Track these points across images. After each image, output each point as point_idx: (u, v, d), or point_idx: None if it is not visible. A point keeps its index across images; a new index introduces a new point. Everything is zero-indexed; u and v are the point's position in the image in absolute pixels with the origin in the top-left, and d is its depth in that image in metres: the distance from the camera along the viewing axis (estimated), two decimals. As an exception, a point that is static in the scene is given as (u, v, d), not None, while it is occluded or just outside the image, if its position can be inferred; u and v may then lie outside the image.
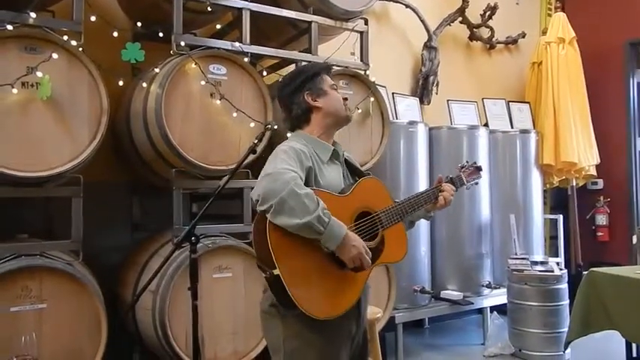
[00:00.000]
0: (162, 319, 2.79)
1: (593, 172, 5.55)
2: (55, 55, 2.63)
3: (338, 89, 2.07)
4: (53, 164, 2.65)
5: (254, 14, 3.29)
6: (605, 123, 5.69)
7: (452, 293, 4.41)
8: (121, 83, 3.11)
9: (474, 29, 5.60)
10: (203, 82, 2.99)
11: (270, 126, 2.61)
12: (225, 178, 2.43)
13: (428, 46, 5.16)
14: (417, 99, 5.02)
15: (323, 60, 3.50)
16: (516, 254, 4.52)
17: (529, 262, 4.26)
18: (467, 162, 2.36)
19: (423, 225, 4.37)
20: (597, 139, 5.53)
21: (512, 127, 5.28)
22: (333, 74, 2.20)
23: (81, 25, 2.78)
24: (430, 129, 4.65)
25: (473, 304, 4.48)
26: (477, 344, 4.48)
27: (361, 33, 3.78)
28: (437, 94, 5.19)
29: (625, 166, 5.76)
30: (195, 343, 2.29)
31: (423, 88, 5.15)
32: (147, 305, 2.91)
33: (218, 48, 3.12)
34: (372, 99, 3.61)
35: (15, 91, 2.54)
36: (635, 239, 3.59)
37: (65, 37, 2.69)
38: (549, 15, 6.11)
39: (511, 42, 5.93)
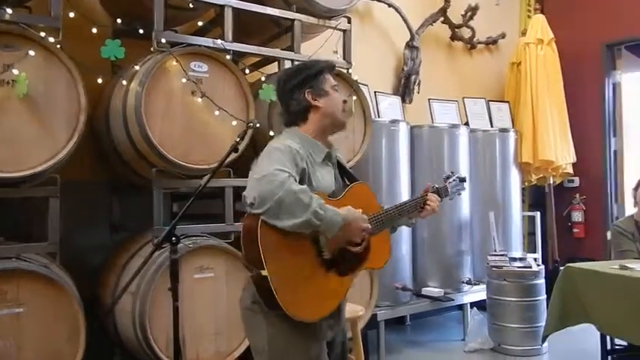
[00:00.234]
0: (143, 320, 2.76)
1: (570, 170, 5.65)
2: (31, 52, 2.57)
3: (339, 90, 2.04)
4: (30, 164, 2.59)
5: (236, 11, 3.26)
6: (581, 123, 5.79)
7: (433, 290, 4.45)
8: (100, 81, 3.06)
9: (456, 29, 5.64)
10: (184, 80, 2.95)
11: (252, 124, 2.58)
12: (207, 177, 2.41)
13: (410, 46, 5.19)
14: (399, 98, 5.04)
15: (306, 58, 3.49)
16: (496, 251, 4.59)
17: (508, 259, 4.33)
18: (452, 173, 2.39)
19: (404, 223, 4.39)
20: (574, 138, 5.63)
21: (491, 126, 5.35)
22: None
23: (59, 22, 2.72)
24: (412, 127, 4.68)
25: (453, 300, 4.53)
26: (458, 340, 4.53)
27: (344, 31, 3.77)
28: (418, 93, 5.22)
29: (600, 164, 5.86)
30: (177, 345, 2.27)
31: (404, 86, 5.18)
32: (127, 307, 2.87)
33: (199, 45, 3.08)
34: (354, 97, 3.61)
35: (-10, 88, 2.47)
36: (609, 235, 3.66)
37: (43, 34, 2.63)
38: (529, 16, 6.20)
39: (491, 42, 5.99)
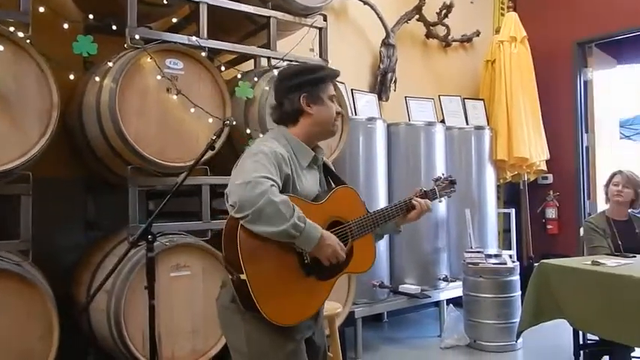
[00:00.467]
0: (118, 319, 2.73)
1: (544, 167, 5.73)
2: (0, 47, 2.52)
3: (335, 100, 2.01)
4: (0, 161, 2.54)
5: (211, 8, 3.23)
6: (554, 120, 5.89)
7: (410, 287, 4.48)
8: (72, 77, 3.01)
9: (431, 27, 5.69)
10: (159, 77, 2.92)
11: (228, 122, 2.58)
12: (183, 175, 2.40)
13: (386, 43, 5.21)
14: (376, 95, 5.06)
15: (282, 56, 3.48)
16: (471, 248, 4.64)
17: (484, 256, 4.38)
18: (442, 174, 2.35)
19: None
20: (547, 135, 5.72)
21: (467, 124, 5.40)
22: None
23: (28, 16, 2.67)
24: (388, 125, 4.71)
25: (430, 297, 4.57)
26: (434, 336, 4.58)
27: (320, 29, 3.78)
28: (395, 90, 5.25)
29: (573, 161, 5.97)
30: (153, 343, 2.25)
31: (381, 84, 5.20)
32: (101, 305, 2.83)
33: (174, 42, 3.05)
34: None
35: (-42, 84, 2.42)
36: (582, 231, 3.73)
37: (12, 29, 2.57)
38: (502, 14, 6.28)
39: (466, 40, 6.06)
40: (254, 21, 3.66)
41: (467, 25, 6.02)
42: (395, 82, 5.24)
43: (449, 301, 4.69)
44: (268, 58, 3.57)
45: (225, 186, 1.78)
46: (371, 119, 4.50)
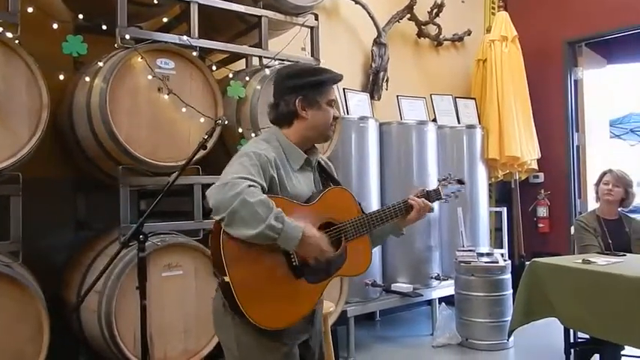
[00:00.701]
0: (109, 319, 2.72)
1: (535, 166, 5.77)
2: (-11, 48, 2.51)
3: (334, 105, 1.95)
4: (-11, 161, 2.53)
5: (202, 7, 3.23)
6: (545, 119, 5.92)
7: (402, 286, 4.49)
8: (62, 77, 3.00)
9: (422, 26, 5.70)
10: (150, 77, 2.91)
11: (220, 121, 2.58)
12: (175, 175, 2.39)
13: (377, 43, 5.22)
14: (368, 95, 5.07)
15: (274, 55, 3.48)
16: (463, 246, 4.65)
17: (475, 254, 4.39)
18: (449, 175, 2.25)
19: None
20: (538, 134, 5.75)
21: (459, 123, 5.42)
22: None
23: (17, 17, 2.66)
24: (381, 124, 4.71)
25: (422, 296, 4.58)
26: (426, 335, 4.59)
27: (311, 28, 3.78)
28: (387, 89, 5.26)
29: (564, 160, 6.00)
30: (144, 343, 2.25)
31: (373, 83, 5.21)
32: (92, 306, 2.82)
33: (165, 42, 3.04)
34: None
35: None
36: (572, 230, 3.75)
37: (0, 29, 2.56)
38: (493, 14, 6.30)
39: (457, 39, 6.07)
40: (245, 20, 3.66)
41: (458, 25, 6.04)
42: (387, 81, 5.25)
43: (441, 299, 4.71)
44: (260, 57, 3.56)
45: (217, 187, 1.76)
46: (363, 118, 4.51)
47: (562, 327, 3.11)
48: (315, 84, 1.88)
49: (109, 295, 2.73)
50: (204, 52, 3.28)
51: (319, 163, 2.01)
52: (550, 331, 3.64)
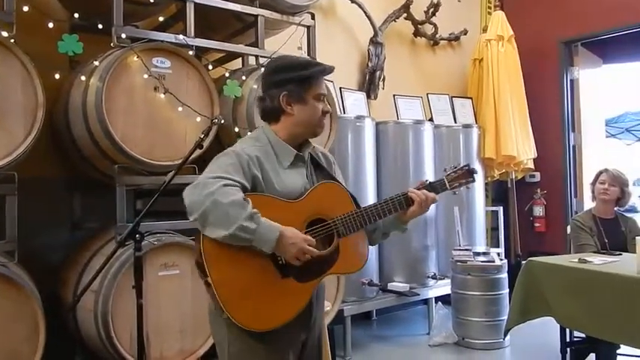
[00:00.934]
0: (105, 319, 2.71)
1: (531, 165, 5.79)
2: (-16, 47, 2.50)
3: (324, 99, 1.87)
4: (-15, 161, 2.52)
5: (198, 6, 3.22)
6: (541, 118, 5.94)
7: (398, 285, 4.49)
8: (57, 76, 2.98)
9: (419, 25, 5.71)
10: (146, 76, 2.90)
11: (216, 120, 2.57)
12: (171, 174, 2.39)
13: (374, 42, 5.22)
14: (364, 94, 5.07)
15: (270, 54, 3.47)
16: (460, 246, 4.66)
17: (472, 253, 4.40)
18: (458, 164, 2.13)
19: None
20: (534, 133, 5.76)
21: (455, 122, 5.43)
22: None
23: (13, 16, 2.65)
24: (377, 124, 4.72)
25: (419, 295, 4.58)
26: (423, 334, 4.60)
27: (308, 27, 3.78)
28: (383, 89, 5.26)
29: (560, 159, 6.01)
30: (140, 343, 2.24)
31: (369, 82, 5.21)
32: (89, 306, 2.81)
33: (161, 41, 3.04)
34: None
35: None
36: (569, 229, 3.76)
37: (-4, 28, 2.55)
38: (489, 13, 6.32)
39: (453, 39, 6.08)
40: (241, 19, 3.66)
41: (454, 24, 6.05)
42: (383, 80, 5.26)
43: (437, 298, 4.71)
44: (256, 56, 3.56)
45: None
46: (359, 117, 4.51)
47: (558, 326, 3.11)
48: (301, 78, 1.80)
49: (105, 295, 2.73)
50: (201, 51, 3.28)
51: (313, 157, 1.95)
52: (546, 330, 3.65)
